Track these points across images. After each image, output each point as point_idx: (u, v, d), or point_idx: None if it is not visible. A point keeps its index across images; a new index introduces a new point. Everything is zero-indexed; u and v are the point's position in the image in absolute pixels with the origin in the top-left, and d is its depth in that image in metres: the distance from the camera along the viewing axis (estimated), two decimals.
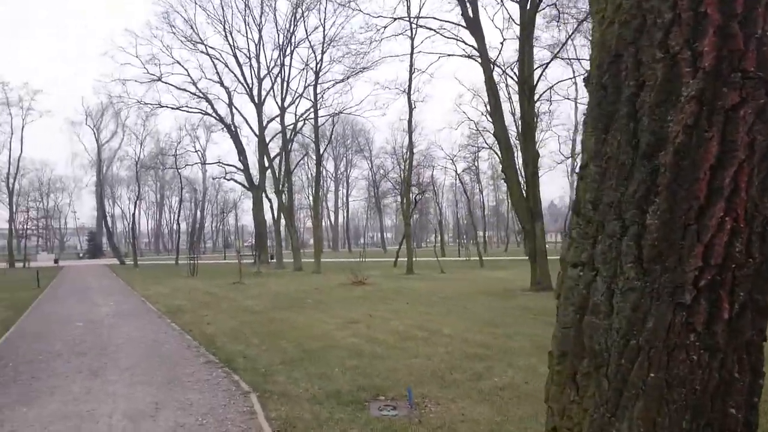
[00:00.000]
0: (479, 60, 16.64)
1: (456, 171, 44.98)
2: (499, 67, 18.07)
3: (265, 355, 7.74)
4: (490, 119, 43.31)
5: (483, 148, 45.91)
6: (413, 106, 26.73)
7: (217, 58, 37.52)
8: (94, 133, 62.40)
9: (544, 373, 5.93)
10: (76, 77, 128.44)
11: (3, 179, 53.20)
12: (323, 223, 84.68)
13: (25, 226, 61.89)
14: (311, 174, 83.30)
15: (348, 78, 32.09)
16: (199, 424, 4.83)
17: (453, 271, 27.44)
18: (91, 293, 19.25)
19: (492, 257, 43.30)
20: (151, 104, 38.49)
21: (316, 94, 30.61)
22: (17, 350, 8.39)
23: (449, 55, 19.44)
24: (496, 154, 47.89)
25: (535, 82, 15.73)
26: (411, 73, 26.58)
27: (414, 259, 36.74)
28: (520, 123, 18.75)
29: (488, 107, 42.60)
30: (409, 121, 26.94)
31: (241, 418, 4.97)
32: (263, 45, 37.32)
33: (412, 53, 25.72)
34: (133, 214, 53.79)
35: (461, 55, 18.62)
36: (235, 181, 42.81)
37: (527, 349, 7.71)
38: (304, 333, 9.51)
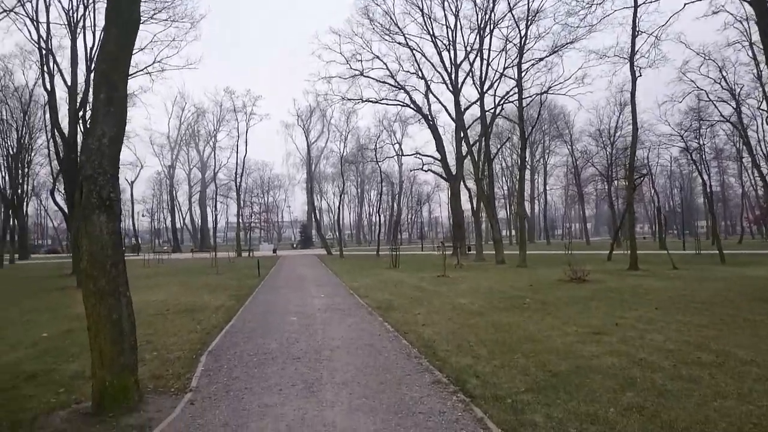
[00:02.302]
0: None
1: (687, 147, 38.37)
2: None
3: (502, 376, 6.14)
4: (727, 86, 36.47)
5: (717, 121, 38.74)
6: (637, 74, 22.88)
7: (415, 49, 37.44)
8: (305, 133, 68.04)
9: None
10: (290, 79, 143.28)
11: (233, 178, 60.57)
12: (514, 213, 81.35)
13: (250, 220, 70.04)
14: (505, 163, 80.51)
15: (557, 51, 29.10)
16: None
17: (686, 266, 22.98)
18: (303, 283, 19.83)
19: (727, 250, 36.29)
20: (353, 99, 39.96)
21: (520, 73, 28.19)
22: (234, 348, 8.02)
23: None
24: (735, 126, 40.24)
25: None
26: (634, 36, 22.78)
27: (625, 252, 32.31)
28: None
29: (721, 74, 35.65)
30: (632, 92, 23.10)
31: None
32: (461, 28, 36.15)
33: (635, 9, 21.98)
34: (338, 207, 57.05)
35: None
36: (433, 172, 42.51)
37: None
38: (540, 345, 7.70)
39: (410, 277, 20.80)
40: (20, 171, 48.22)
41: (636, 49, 22.91)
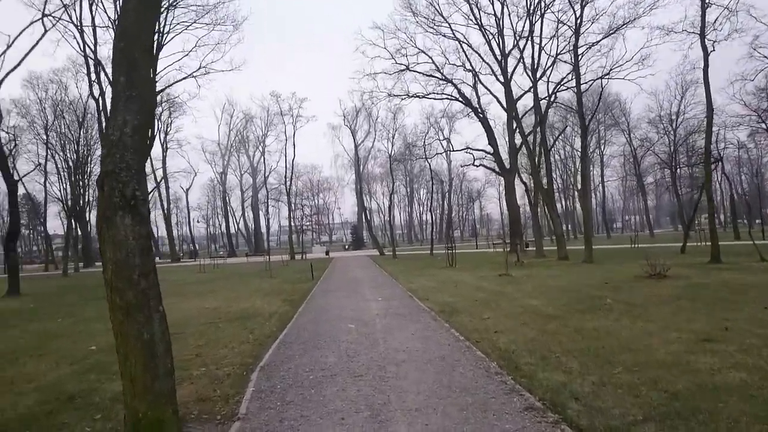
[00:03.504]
0: None
1: (766, 127, 35.36)
2: None
3: (608, 398, 5.02)
4: None
5: None
6: (710, 49, 20.90)
7: (461, 41, 36.14)
8: (351, 134, 67.75)
9: None
10: (335, 81, 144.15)
11: (282, 182, 60.81)
12: (571, 207, 78.31)
13: (301, 223, 70.31)
14: (559, 156, 77.56)
15: (618, 30, 27.18)
16: None
17: None
18: (358, 286, 19.02)
19: None
20: (399, 95, 38.98)
21: (576, 57, 26.41)
22: (288, 363, 7.18)
23: None
24: None
25: None
26: (704, 7, 20.88)
27: (698, 243, 29.94)
28: None
29: None
30: (705, 69, 21.03)
31: None
32: (509, 15, 34.61)
33: None
34: (389, 207, 56.26)
35: None
36: (485, 167, 41.07)
37: None
38: (642, 356, 6.49)
39: (470, 277, 19.65)
40: (80, 182, 49.87)
41: (708, 22, 20.97)
